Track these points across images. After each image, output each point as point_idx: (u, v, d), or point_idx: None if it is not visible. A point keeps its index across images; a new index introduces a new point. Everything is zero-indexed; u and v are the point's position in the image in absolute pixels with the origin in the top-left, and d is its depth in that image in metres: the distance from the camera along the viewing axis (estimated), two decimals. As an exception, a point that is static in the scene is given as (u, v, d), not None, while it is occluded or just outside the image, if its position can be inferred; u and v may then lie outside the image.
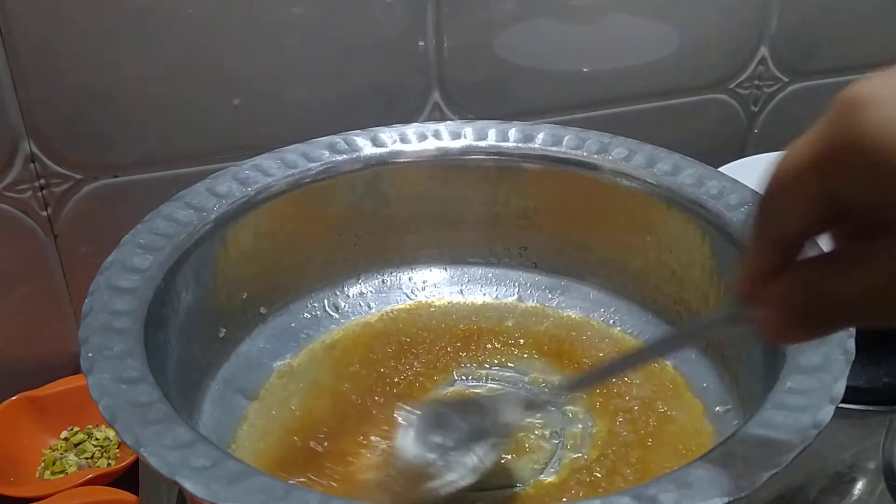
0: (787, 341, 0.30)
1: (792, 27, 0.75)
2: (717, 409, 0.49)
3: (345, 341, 0.55)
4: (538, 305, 0.58)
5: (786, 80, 0.78)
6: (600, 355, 0.53)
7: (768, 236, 0.30)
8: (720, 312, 0.32)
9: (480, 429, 0.42)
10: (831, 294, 0.28)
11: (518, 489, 0.45)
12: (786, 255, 0.30)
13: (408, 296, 0.59)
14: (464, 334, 0.55)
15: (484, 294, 0.59)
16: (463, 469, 0.41)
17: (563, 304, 0.58)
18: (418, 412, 0.44)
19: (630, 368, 0.41)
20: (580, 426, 0.49)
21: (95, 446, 0.64)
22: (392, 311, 0.57)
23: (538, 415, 0.44)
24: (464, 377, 0.53)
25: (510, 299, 0.59)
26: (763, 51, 0.75)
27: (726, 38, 0.74)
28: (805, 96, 0.78)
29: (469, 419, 0.43)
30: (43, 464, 0.63)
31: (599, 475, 0.45)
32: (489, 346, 0.55)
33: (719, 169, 0.55)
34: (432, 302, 0.58)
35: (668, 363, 0.52)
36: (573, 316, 0.57)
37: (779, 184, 0.29)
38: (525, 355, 0.54)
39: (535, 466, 0.46)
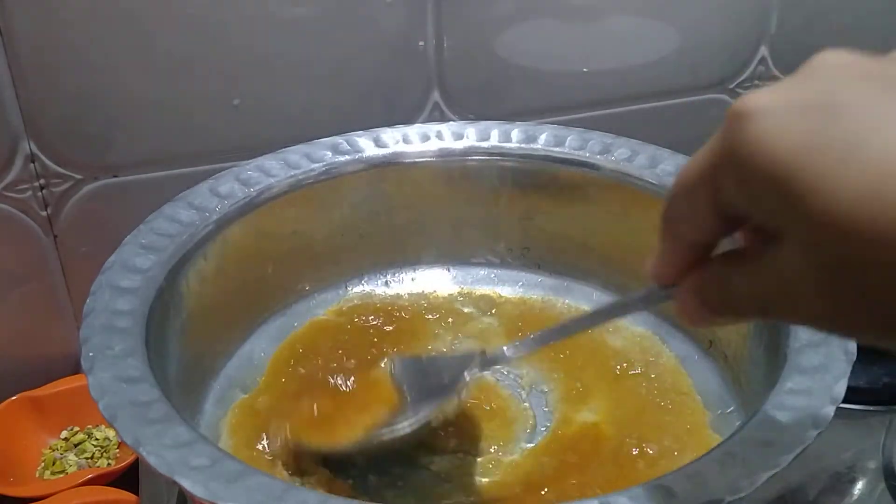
0: (699, 326, 0.32)
1: (792, 27, 0.75)
2: (719, 411, 0.49)
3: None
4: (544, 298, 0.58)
5: (786, 80, 0.77)
6: (607, 344, 0.54)
7: (675, 239, 0.31)
8: (645, 290, 0.34)
9: (437, 384, 0.44)
10: (732, 291, 0.29)
11: (475, 460, 0.47)
12: (695, 253, 0.31)
13: (411, 295, 0.59)
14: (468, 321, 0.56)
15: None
16: (410, 419, 0.43)
17: (567, 303, 0.58)
18: (399, 361, 0.47)
19: (573, 334, 0.43)
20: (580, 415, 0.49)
21: (95, 446, 0.64)
22: (392, 306, 0.57)
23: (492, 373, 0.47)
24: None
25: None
26: (763, 51, 0.75)
27: (726, 38, 0.74)
28: (805, 96, 0.78)
29: (430, 374, 0.46)
30: (43, 464, 0.63)
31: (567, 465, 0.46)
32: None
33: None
34: (437, 299, 0.59)
35: (673, 360, 0.52)
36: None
37: (677, 192, 0.30)
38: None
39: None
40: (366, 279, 0.59)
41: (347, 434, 0.45)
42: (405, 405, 0.44)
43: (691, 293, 0.31)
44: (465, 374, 0.43)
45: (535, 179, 0.57)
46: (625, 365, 0.52)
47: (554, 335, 0.42)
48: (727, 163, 0.27)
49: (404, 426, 0.42)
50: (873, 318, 0.25)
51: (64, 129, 0.60)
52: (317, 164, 0.55)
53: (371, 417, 0.46)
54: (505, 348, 0.43)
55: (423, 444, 0.48)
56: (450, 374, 0.44)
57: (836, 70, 0.26)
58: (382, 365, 0.49)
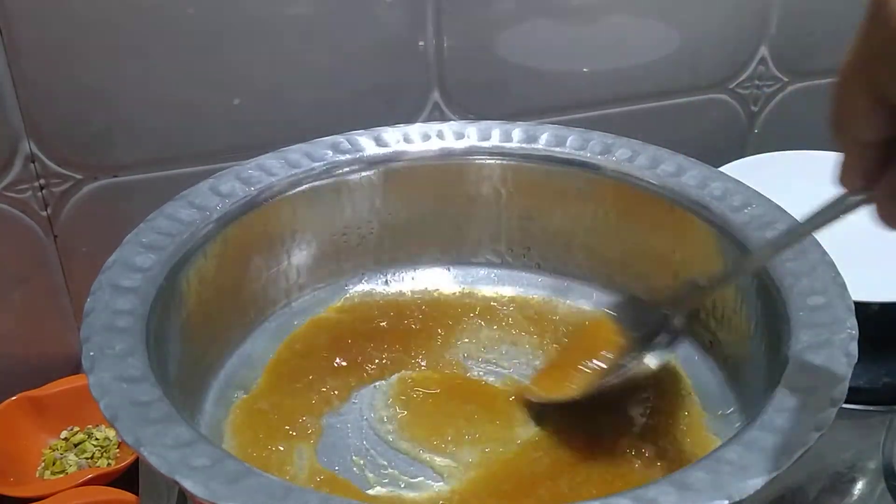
0: None
1: (792, 27, 0.75)
2: (720, 412, 0.49)
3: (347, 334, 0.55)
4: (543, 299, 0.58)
5: (786, 80, 0.78)
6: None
7: (847, 143, 0.30)
8: (839, 196, 0.34)
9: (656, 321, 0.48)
10: None
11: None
12: (874, 154, 0.30)
13: (412, 295, 0.59)
14: (468, 319, 0.56)
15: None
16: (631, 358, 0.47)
17: (568, 304, 0.58)
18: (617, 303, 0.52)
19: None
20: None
21: (95, 446, 0.64)
22: (392, 304, 0.58)
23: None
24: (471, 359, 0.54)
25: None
26: (763, 51, 0.75)
27: (726, 38, 0.74)
28: (805, 96, 0.79)
29: (647, 313, 0.49)
30: (43, 464, 0.63)
31: None
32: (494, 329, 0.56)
33: (719, 169, 0.55)
34: (437, 297, 0.59)
35: (676, 364, 0.52)
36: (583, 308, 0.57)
37: (835, 94, 0.29)
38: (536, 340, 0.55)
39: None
40: (366, 278, 0.59)
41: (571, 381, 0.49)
42: (627, 344, 0.48)
43: (886, 198, 0.31)
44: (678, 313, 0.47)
45: (536, 179, 0.57)
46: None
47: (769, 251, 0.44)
48: (876, 50, 0.26)
49: (628, 363, 0.47)
50: None
51: (64, 129, 0.60)
52: (318, 163, 0.55)
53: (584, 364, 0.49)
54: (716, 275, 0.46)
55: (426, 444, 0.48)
56: (666, 311, 0.47)
57: None
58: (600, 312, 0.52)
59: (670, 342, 0.47)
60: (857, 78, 0.28)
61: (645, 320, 0.48)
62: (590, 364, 0.49)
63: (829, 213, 0.36)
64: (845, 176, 0.32)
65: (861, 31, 0.27)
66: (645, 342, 0.47)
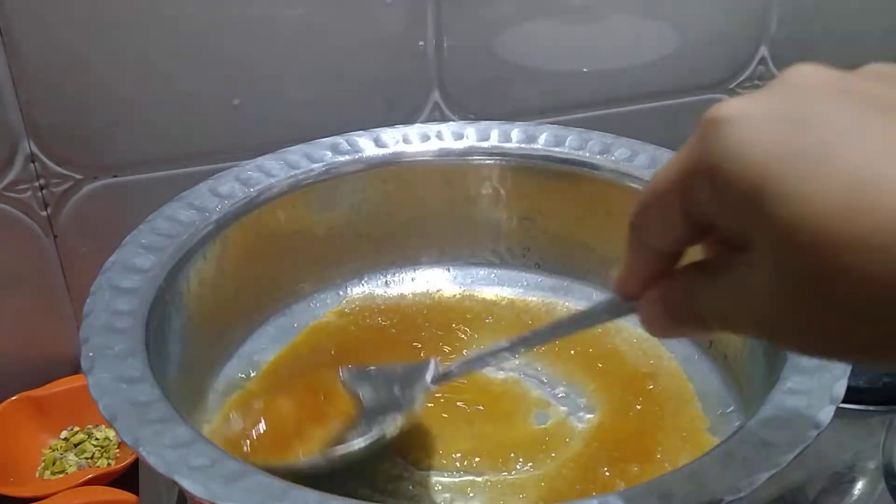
0: (663, 336, 0.32)
1: (792, 27, 0.75)
2: (719, 411, 0.49)
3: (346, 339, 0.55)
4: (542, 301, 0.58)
5: (786, 80, 0.77)
6: (609, 346, 0.54)
7: (642, 248, 0.31)
8: (608, 302, 0.34)
9: (390, 397, 0.44)
10: (697, 302, 0.29)
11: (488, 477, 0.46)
12: (661, 263, 0.31)
13: (413, 297, 0.59)
14: (469, 324, 0.56)
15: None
16: (364, 434, 0.42)
17: (567, 304, 0.58)
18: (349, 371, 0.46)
19: (532, 347, 0.41)
20: (576, 417, 0.49)
21: (95, 446, 0.64)
22: (394, 308, 0.57)
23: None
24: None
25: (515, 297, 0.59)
26: (763, 51, 0.75)
27: (726, 38, 0.74)
28: (805, 96, 0.78)
29: (382, 386, 0.44)
30: (43, 464, 0.63)
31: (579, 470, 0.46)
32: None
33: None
34: (437, 300, 0.59)
35: (675, 364, 0.52)
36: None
37: (646, 201, 0.29)
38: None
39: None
40: (366, 279, 0.59)
41: (303, 448, 0.44)
42: (360, 417, 0.44)
43: (656, 301, 0.31)
44: (418, 388, 0.43)
45: (535, 179, 0.57)
46: (625, 369, 0.52)
47: (510, 348, 0.39)
48: (700, 168, 0.26)
49: (359, 442, 0.42)
50: (843, 334, 0.24)
51: (64, 129, 0.60)
52: (317, 164, 0.55)
53: (327, 431, 0.45)
54: (454, 364, 0.42)
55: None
56: (402, 386, 0.43)
57: (809, 84, 0.27)
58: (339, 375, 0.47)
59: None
60: (674, 189, 0.28)
61: (383, 397, 0.44)
62: (320, 434, 0.44)
63: (591, 318, 0.36)
64: (625, 280, 0.32)
65: (687, 146, 0.27)
66: (379, 419, 0.43)
